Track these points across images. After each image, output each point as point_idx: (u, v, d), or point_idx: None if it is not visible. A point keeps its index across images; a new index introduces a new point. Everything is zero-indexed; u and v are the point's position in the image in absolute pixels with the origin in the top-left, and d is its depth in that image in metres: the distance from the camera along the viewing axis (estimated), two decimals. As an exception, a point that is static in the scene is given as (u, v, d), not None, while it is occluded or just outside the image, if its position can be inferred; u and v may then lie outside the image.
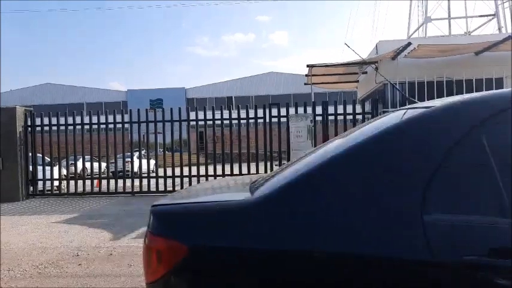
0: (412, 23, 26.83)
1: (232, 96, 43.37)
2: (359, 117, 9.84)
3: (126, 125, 10.28)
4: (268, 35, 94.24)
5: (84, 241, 5.43)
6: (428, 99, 8.42)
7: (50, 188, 10.24)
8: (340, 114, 9.41)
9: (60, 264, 4.43)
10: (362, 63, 9.65)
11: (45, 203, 9.18)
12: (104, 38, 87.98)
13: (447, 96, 8.53)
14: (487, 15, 23.23)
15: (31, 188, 10.00)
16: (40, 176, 10.08)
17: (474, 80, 8.41)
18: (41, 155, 10.31)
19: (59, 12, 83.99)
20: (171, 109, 10.04)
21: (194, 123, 10.23)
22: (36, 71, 79.00)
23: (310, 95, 11.15)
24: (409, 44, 7.70)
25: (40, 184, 10.15)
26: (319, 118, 9.52)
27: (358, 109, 9.73)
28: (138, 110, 10.13)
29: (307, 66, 9.19)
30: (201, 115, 9.97)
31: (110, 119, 10.06)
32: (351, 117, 9.59)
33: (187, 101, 43.33)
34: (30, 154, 9.98)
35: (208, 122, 9.96)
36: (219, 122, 9.94)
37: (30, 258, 4.70)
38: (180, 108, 9.95)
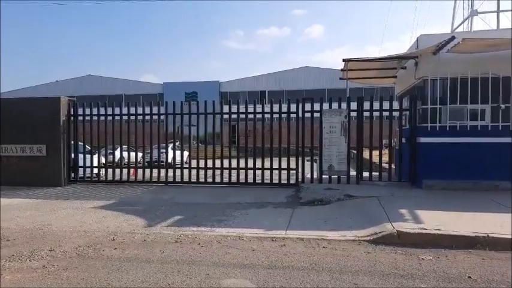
0: (457, 16, 25.52)
1: (265, 91, 43.34)
2: (396, 113, 9.51)
3: (162, 117, 10.55)
4: (303, 29, 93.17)
5: (120, 226, 5.66)
6: (471, 97, 7.94)
7: (89, 175, 10.75)
8: (376, 110, 9.13)
9: (97, 247, 4.65)
10: (401, 58, 9.30)
11: (84, 189, 9.63)
12: (140, 31, 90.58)
13: (492, 93, 8.01)
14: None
15: (72, 175, 10.54)
16: (81, 163, 10.59)
17: (523, 77, 7.87)
18: (82, 144, 10.82)
19: (96, 5, 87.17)
20: (205, 102, 10.18)
21: (227, 116, 10.32)
22: (78, 62, 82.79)
23: (345, 91, 10.92)
24: (453, 38, 7.30)
25: (80, 171, 10.67)
26: (353, 114, 9.30)
27: (396, 105, 9.42)
28: (174, 102, 10.35)
29: (343, 60, 8.95)
30: (234, 109, 10.04)
31: (147, 110, 10.38)
32: (387, 113, 9.30)
33: (221, 95, 43.82)
34: (72, 142, 10.49)
35: (241, 116, 10.02)
36: (251, 115, 9.98)
37: (70, 240, 4.97)
38: (214, 102, 10.06)
